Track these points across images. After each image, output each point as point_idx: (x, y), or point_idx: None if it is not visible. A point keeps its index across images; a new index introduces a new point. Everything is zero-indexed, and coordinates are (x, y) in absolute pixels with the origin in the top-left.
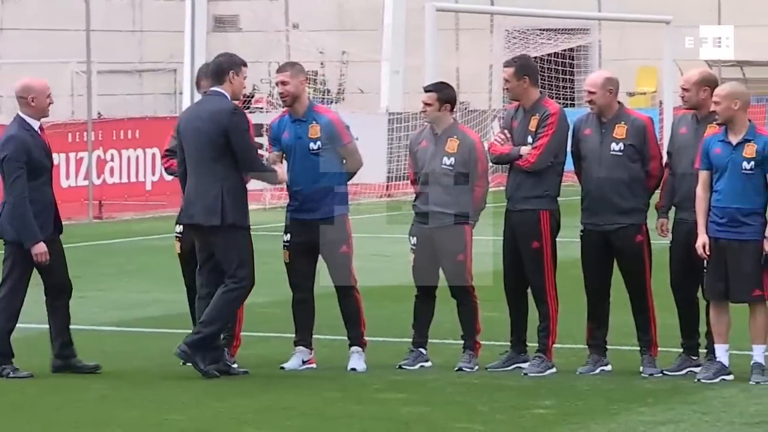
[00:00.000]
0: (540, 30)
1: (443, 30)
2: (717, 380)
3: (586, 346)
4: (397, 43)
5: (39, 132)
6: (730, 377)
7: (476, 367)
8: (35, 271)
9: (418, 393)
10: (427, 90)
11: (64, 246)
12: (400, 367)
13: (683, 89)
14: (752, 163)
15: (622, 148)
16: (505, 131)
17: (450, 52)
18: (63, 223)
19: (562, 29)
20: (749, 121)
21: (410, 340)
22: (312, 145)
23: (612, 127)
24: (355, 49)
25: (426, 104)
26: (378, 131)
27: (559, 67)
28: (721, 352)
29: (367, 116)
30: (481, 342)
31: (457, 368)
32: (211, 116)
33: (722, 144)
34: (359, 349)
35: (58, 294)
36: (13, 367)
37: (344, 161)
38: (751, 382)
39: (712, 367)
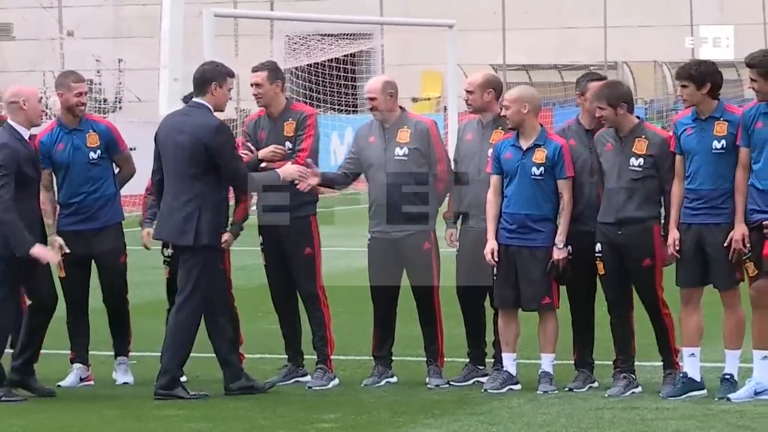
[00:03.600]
0: (321, 35)
1: (222, 36)
2: (504, 390)
3: (372, 358)
4: (175, 50)
5: (28, 141)
6: (518, 387)
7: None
8: None
9: (199, 409)
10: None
11: None
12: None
13: (467, 92)
14: (542, 168)
15: (406, 153)
16: (250, 146)
17: (230, 58)
18: None
19: (344, 34)
20: (540, 125)
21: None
22: (92, 155)
23: (395, 132)
24: (132, 56)
25: None
26: None
27: (341, 73)
28: (509, 362)
29: (146, 125)
30: (244, 354)
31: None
32: (194, 131)
33: (513, 149)
34: (125, 359)
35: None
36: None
37: (118, 169)
38: (538, 392)
39: (499, 376)
